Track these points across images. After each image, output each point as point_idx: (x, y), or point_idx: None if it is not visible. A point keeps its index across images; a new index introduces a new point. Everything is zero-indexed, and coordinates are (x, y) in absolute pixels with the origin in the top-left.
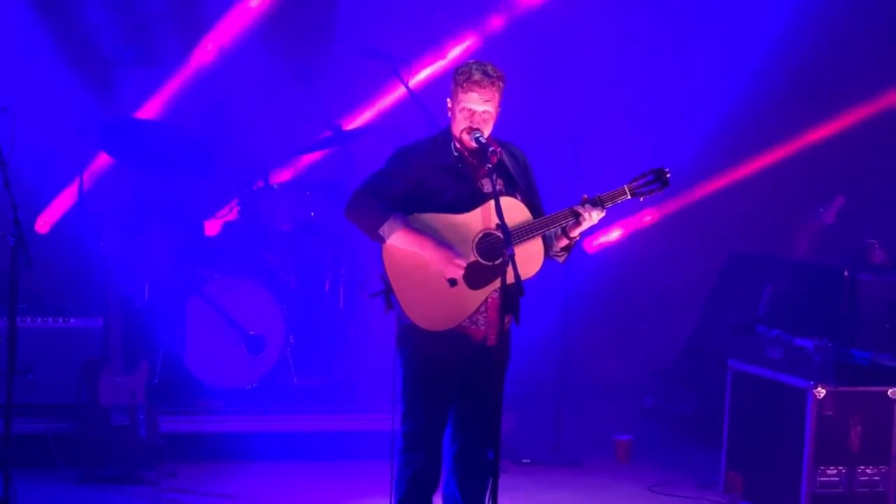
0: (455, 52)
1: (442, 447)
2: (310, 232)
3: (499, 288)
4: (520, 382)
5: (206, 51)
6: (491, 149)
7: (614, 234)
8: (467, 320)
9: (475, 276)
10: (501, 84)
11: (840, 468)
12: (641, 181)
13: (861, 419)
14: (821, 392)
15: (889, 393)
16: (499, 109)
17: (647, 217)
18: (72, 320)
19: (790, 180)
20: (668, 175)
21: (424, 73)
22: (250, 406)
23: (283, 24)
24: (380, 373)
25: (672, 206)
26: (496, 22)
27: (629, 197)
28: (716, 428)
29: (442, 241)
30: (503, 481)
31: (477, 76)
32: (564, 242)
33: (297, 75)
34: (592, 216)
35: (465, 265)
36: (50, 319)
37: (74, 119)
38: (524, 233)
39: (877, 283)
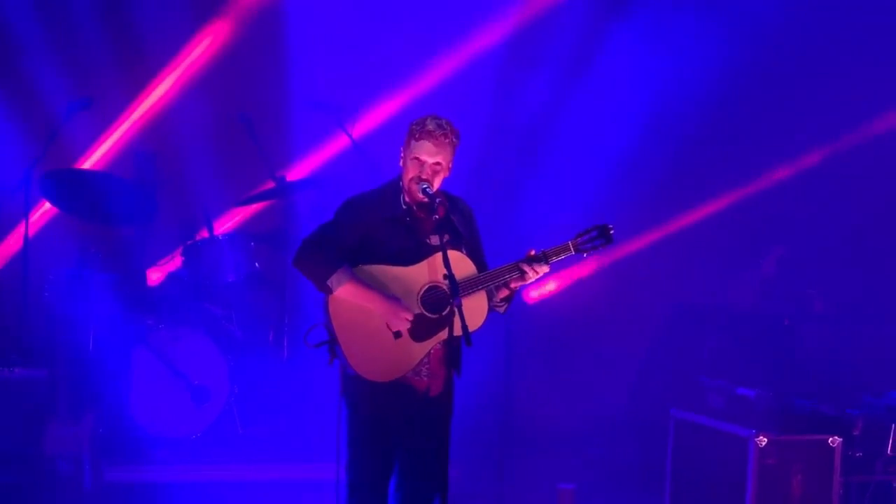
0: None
1: (387, 496)
2: (254, 282)
3: (444, 340)
4: (462, 432)
5: (150, 101)
6: (438, 200)
7: (551, 286)
8: (411, 372)
9: (419, 329)
10: (455, 140)
11: None
12: (585, 237)
13: (802, 467)
14: (762, 440)
15: (829, 441)
16: (450, 167)
17: (589, 267)
18: (16, 370)
19: (730, 231)
20: (611, 231)
21: (367, 125)
22: (195, 455)
23: (227, 75)
24: (324, 422)
25: (614, 255)
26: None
27: (573, 253)
28: (658, 476)
29: (389, 294)
30: None
31: (431, 126)
32: (505, 293)
33: (242, 126)
34: (537, 271)
35: (411, 318)
36: None
37: (16, 168)
38: (470, 286)
39: (817, 333)
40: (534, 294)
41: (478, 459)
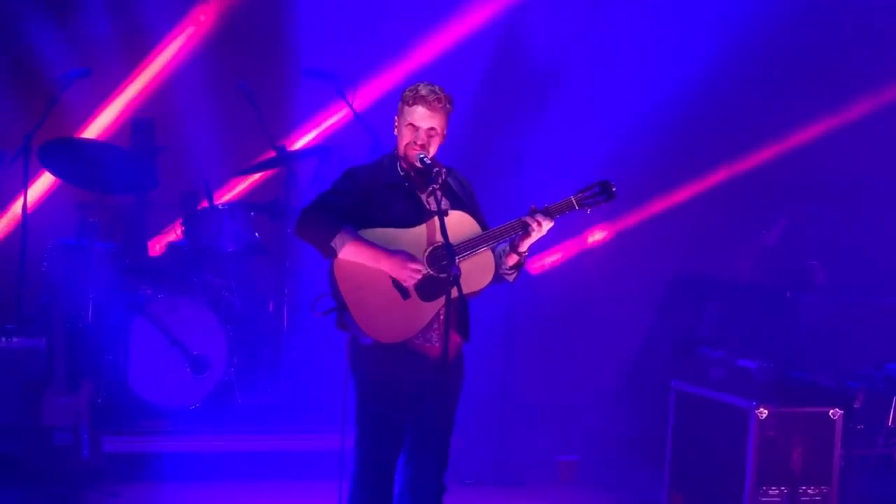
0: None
1: (395, 469)
2: (254, 252)
3: (451, 302)
4: (463, 401)
5: (151, 69)
6: (436, 169)
7: (556, 256)
8: (421, 337)
9: (427, 289)
10: (448, 106)
11: (782, 488)
12: (588, 192)
13: (803, 439)
14: (763, 412)
15: (830, 413)
16: (444, 133)
17: (592, 238)
18: (14, 339)
19: (733, 201)
20: (613, 188)
21: (369, 95)
22: (193, 426)
23: (228, 44)
24: (323, 392)
25: (616, 226)
26: (443, 40)
27: (576, 208)
28: (659, 448)
29: (394, 250)
30: (447, 501)
31: (424, 92)
32: (514, 259)
33: (242, 95)
34: (542, 226)
35: (421, 270)
36: None
37: (15, 138)
38: (474, 244)
39: (819, 305)
40: (538, 264)
41: (477, 428)
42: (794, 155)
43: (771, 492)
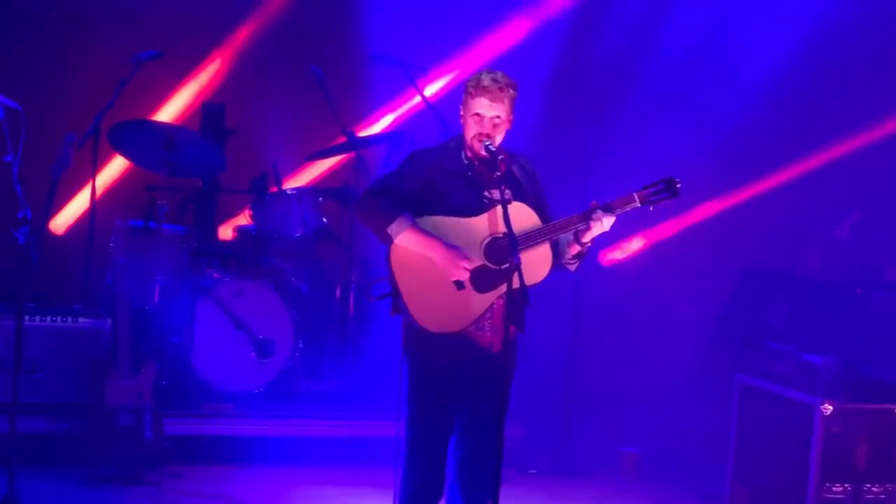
0: (471, 61)
1: (447, 454)
2: (322, 238)
3: (505, 294)
4: (528, 391)
5: (223, 54)
6: (500, 157)
7: (633, 245)
8: (473, 326)
9: (482, 280)
10: (512, 91)
11: (846, 485)
12: (651, 189)
13: (868, 436)
14: (828, 408)
15: None
16: (511, 118)
17: (662, 232)
18: (80, 320)
19: (804, 196)
20: (678, 185)
21: (440, 82)
22: (256, 410)
23: (299, 29)
24: (388, 380)
25: (686, 220)
26: (514, 30)
27: (638, 205)
28: (723, 441)
29: (449, 243)
30: (509, 491)
31: (486, 82)
32: (577, 249)
33: (313, 79)
34: (603, 222)
35: (472, 267)
36: (59, 319)
37: (88, 120)
38: (533, 237)
39: (889, 300)
40: (609, 257)
41: (542, 419)
42: (867, 150)
43: (835, 488)
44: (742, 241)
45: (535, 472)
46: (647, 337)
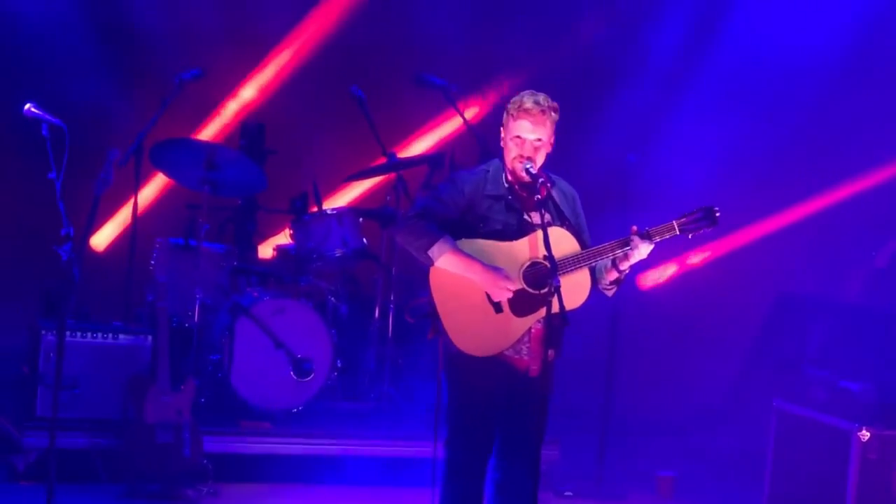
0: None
1: (485, 475)
2: (361, 258)
3: (543, 318)
4: (564, 413)
5: (264, 74)
6: (541, 180)
7: (669, 271)
8: (511, 349)
9: (520, 304)
10: (554, 115)
11: None
12: (690, 218)
13: None
14: (865, 435)
15: None
16: (552, 141)
17: (700, 255)
18: (121, 337)
19: (844, 221)
20: (717, 214)
21: (480, 105)
22: (295, 429)
23: (341, 50)
24: (425, 401)
25: (724, 245)
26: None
27: (677, 233)
28: (760, 466)
29: (491, 265)
30: None
31: (528, 104)
32: (614, 276)
33: (354, 101)
34: (641, 249)
35: (513, 288)
36: (99, 335)
37: (130, 137)
38: (571, 263)
39: None
40: (648, 281)
41: (578, 441)
42: None
43: None
44: (779, 266)
45: (570, 494)
46: (684, 360)
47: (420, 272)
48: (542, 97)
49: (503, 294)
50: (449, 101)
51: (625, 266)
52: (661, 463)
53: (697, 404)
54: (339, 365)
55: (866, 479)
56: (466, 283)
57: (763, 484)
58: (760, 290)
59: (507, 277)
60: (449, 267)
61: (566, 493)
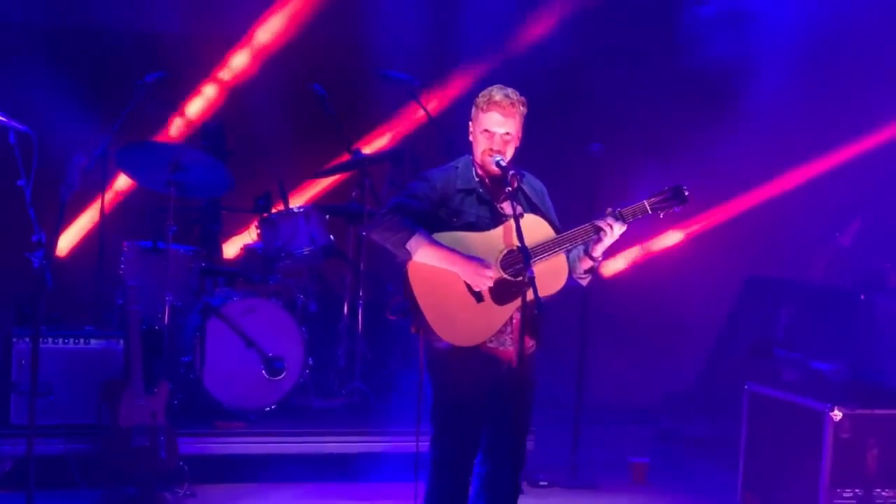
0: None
1: (472, 471)
2: (329, 255)
3: (523, 307)
4: (537, 403)
5: (225, 73)
6: (511, 172)
7: (632, 253)
8: (495, 341)
9: (500, 293)
10: (522, 108)
11: (856, 490)
12: (660, 197)
13: (878, 441)
14: (838, 415)
15: None
16: (520, 135)
17: (667, 240)
18: (92, 342)
19: (807, 203)
20: (686, 193)
21: (443, 99)
22: (269, 428)
23: (302, 47)
24: (398, 394)
25: (690, 228)
26: (515, 48)
27: (649, 212)
28: (732, 450)
29: (468, 255)
30: (521, 503)
31: (498, 97)
32: (588, 264)
33: (316, 98)
34: (614, 230)
35: (494, 276)
36: (71, 341)
37: (94, 141)
38: (547, 248)
39: (894, 307)
40: (609, 268)
41: (552, 430)
42: (868, 156)
43: (845, 494)
44: (745, 249)
45: (545, 483)
46: (654, 346)
47: (389, 267)
48: (511, 91)
49: (484, 283)
50: (411, 95)
51: (598, 252)
52: (634, 448)
53: (669, 389)
54: (310, 363)
55: (839, 459)
56: (446, 275)
57: (737, 466)
58: (728, 274)
59: (487, 266)
60: (427, 259)
61: (541, 483)
